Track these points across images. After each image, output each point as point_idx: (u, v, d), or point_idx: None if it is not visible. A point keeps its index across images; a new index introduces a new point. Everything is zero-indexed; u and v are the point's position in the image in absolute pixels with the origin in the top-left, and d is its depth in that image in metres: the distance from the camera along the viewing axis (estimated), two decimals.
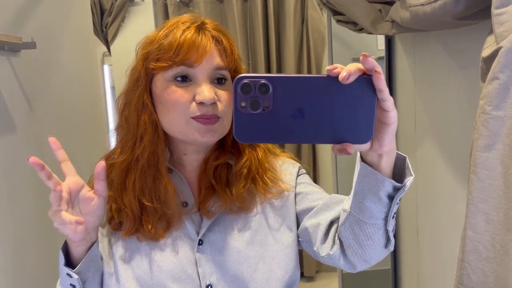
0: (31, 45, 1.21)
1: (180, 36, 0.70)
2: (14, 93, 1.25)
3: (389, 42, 1.61)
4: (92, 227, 0.68)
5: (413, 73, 1.44)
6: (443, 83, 1.23)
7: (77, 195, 0.67)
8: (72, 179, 0.67)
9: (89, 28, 1.79)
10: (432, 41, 1.27)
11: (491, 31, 0.74)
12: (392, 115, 0.51)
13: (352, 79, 0.47)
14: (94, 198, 0.67)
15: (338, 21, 1.51)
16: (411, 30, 1.12)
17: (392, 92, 1.60)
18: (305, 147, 2.78)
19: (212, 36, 0.72)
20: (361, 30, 1.41)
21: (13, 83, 1.25)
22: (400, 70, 1.55)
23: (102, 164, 0.66)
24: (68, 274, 0.69)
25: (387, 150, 0.54)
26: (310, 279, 2.83)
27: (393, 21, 1.15)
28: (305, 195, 0.80)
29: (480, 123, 0.71)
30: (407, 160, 0.60)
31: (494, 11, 0.69)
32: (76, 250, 0.69)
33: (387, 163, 0.57)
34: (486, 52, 0.73)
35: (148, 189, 0.73)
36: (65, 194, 0.65)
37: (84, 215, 0.66)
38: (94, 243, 0.70)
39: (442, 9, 0.83)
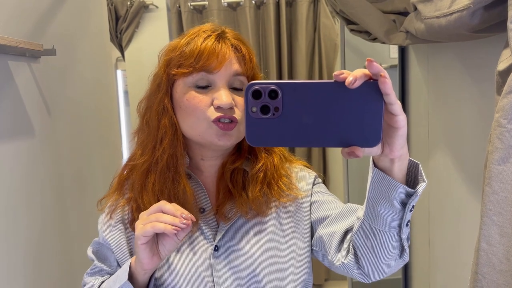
0: (52, 52, 1.24)
1: (201, 44, 0.73)
2: (34, 99, 1.29)
3: (402, 52, 1.61)
4: (164, 258, 0.69)
5: (426, 82, 1.44)
6: (457, 94, 1.23)
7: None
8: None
9: (105, 35, 1.82)
10: (446, 51, 1.27)
11: (506, 45, 0.75)
12: (400, 119, 0.51)
13: (358, 83, 0.48)
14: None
15: (351, 30, 1.52)
16: (426, 41, 1.12)
17: (405, 101, 1.60)
18: (315, 153, 2.78)
19: (232, 45, 0.75)
20: (374, 39, 1.42)
21: (32, 88, 1.28)
22: (413, 80, 1.55)
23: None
24: None
25: (398, 155, 0.55)
26: (319, 287, 2.82)
27: (407, 32, 1.15)
28: (320, 204, 0.81)
29: (495, 136, 0.72)
30: (420, 166, 0.60)
31: (510, 25, 0.70)
32: (143, 278, 0.70)
33: (399, 169, 0.57)
34: (502, 65, 0.74)
35: (167, 189, 0.75)
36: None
37: (161, 246, 0.67)
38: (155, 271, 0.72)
39: (458, 22, 0.84)
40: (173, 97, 0.77)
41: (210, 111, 0.73)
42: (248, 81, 0.77)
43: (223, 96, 0.72)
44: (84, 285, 0.81)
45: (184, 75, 0.74)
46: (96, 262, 0.81)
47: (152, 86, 0.79)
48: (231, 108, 0.73)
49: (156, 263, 0.68)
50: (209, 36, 0.74)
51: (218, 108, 0.72)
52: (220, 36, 0.75)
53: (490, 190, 0.72)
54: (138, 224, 0.66)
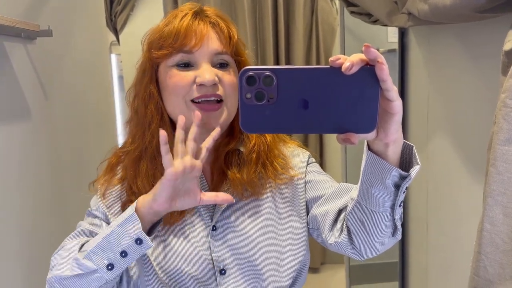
0: (48, 33, 1.21)
1: (178, 23, 0.73)
2: (30, 81, 1.26)
3: (402, 34, 1.60)
4: (177, 208, 0.67)
5: (426, 65, 1.43)
6: (458, 76, 1.22)
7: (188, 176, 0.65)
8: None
9: (101, 17, 1.79)
10: (447, 33, 1.26)
11: None
12: (396, 104, 0.51)
13: (354, 69, 0.48)
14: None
15: (352, 12, 1.51)
16: (428, 22, 1.11)
17: (404, 85, 1.59)
18: (312, 137, 2.78)
19: (210, 21, 0.75)
20: (375, 22, 1.40)
21: (29, 70, 1.26)
22: (413, 63, 1.54)
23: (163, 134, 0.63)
24: (139, 240, 0.65)
25: (392, 139, 0.55)
26: (315, 270, 2.85)
27: (409, 13, 1.14)
28: (314, 184, 0.82)
29: (501, 117, 0.71)
30: (414, 149, 0.61)
31: None
32: (148, 217, 0.66)
33: (393, 152, 0.58)
34: (508, 45, 0.73)
35: (160, 174, 0.74)
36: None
37: (180, 200, 0.66)
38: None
39: (464, 2, 0.83)
40: (158, 82, 0.77)
41: (191, 90, 0.73)
42: (233, 58, 0.77)
43: (206, 73, 0.72)
44: (61, 248, 0.74)
45: (165, 57, 0.74)
46: (86, 225, 0.77)
47: (138, 74, 0.79)
48: (214, 85, 0.73)
49: (166, 208, 0.65)
50: (185, 15, 0.74)
51: (200, 86, 0.72)
52: (197, 14, 0.75)
53: (494, 170, 0.72)
54: (172, 161, 0.63)
